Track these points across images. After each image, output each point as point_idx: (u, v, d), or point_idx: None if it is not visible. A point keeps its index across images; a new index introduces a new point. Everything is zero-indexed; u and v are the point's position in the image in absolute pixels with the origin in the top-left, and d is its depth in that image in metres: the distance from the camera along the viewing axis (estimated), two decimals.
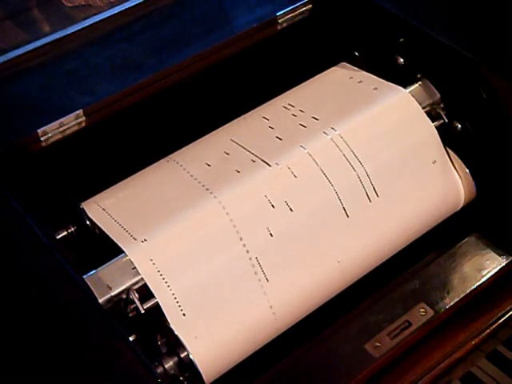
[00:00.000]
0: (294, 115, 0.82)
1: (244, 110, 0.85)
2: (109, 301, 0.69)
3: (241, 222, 0.73)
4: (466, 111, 0.83)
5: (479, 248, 0.81)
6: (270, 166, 0.76)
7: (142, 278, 0.70)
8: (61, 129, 0.79)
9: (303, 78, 0.89)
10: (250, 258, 0.72)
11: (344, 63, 0.91)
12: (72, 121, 0.80)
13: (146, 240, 0.71)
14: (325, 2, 0.93)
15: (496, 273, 0.79)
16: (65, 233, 0.76)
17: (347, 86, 0.87)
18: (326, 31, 0.94)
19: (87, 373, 0.60)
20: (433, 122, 0.83)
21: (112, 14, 0.91)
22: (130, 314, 0.70)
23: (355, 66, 0.90)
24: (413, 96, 0.84)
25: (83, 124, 0.80)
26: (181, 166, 0.78)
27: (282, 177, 0.76)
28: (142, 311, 0.69)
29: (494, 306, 0.78)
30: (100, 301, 0.68)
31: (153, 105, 0.85)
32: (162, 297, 0.69)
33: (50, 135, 0.79)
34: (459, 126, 0.83)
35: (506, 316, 0.77)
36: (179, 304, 0.69)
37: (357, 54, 0.92)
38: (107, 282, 0.70)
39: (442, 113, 0.85)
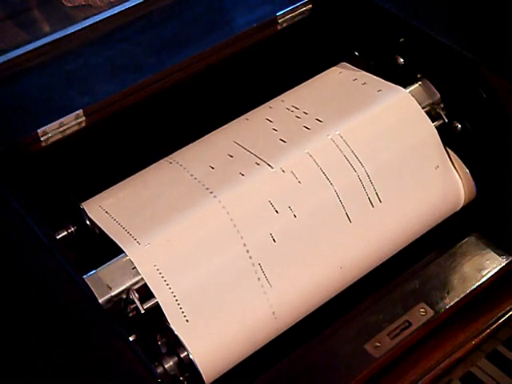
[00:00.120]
0: (297, 117, 0.82)
1: (244, 110, 0.85)
2: (109, 301, 0.69)
3: (242, 222, 0.73)
4: (466, 111, 0.83)
5: (479, 248, 0.81)
6: (274, 169, 0.76)
7: (142, 278, 0.70)
8: (61, 129, 0.79)
9: (303, 78, 0.89)
10: (251, 257, 0.72)
11: (344, 63, 0.91)
12: (72, 121, 0.80)
13: (145, 240, 0.71)
14: (325, 2, 0.93)
15: (496, 273, 0.79)
16: (65, 233, 0.76)
17: (348, 86, 0.87)
18: (325, 31, 0.94)
19: (87, 373, 0.60)
20: (433, 122, 0.83)
21: (112, 13, 0.91)
22: (130, 314, 0.70)
23: (355, 66, 0.90)
24: (413, 96, 0.84)
25: (83, 124, 0.80)
26: (182, 166, 0.78)
27: (287, 182, 0.75)
28: (142, 311, 0.69)
29: (494, 306, 0.78)
30: (100, 301, 0.68)
31: (153, 105, 0.85)
32: (162, 297, 0.69)
33: (49, 135, 0.79)
34: (459, 125, 0.83)
35: (506, 316, 0.77)
36: (179, 304, 0.69)
37: (357, 53, 0.92)
38: (107, 282, 0.70)
39: (441, 113, 0.85)
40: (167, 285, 0.69)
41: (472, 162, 0.82)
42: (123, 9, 0.92)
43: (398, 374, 0.73)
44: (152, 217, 0.73)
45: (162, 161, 0.80)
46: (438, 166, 0.82)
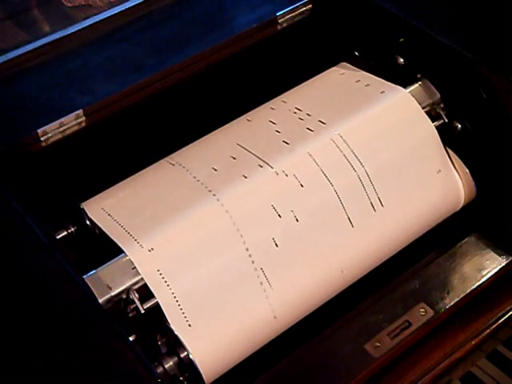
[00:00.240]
0: (300, 119, 0.82)
1: (244, 110, 0.85)
2: (109, 301, 0.69)
3: (243, 223, 0.73)
4: (466, 111, 0.83)
5: (479, 248, 0.81)
6: (277, 173, 0.76)
7: (142, 278, 0.70)
8: (61, 129, 0.79)
9: (303, 78, 0.89)
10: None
11: (344, 63, 0.91)
12: (72, 121, 0.80)
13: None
14: (325, 2, 0.93)
15: (496, 273, 0.79)
16: (65, 233, 0.76)
17: (348, 86, 0.86)
18: (326, 31, 0.94)
19: (87, 373, 0.60)
20: (433, 122, 0.83)
21: (112, 13, 0.91)
22: (130, 314, 0.70)
23: (355, 66, 0.89)
24: (413, 96, 0.84)
25: (83, 124, 0.80)
26: (185, 168, 0.78)
27: (289, 185, 0.75)
28: (142, 311, 0.69)
29: (494, 306, 0.78)
30: (100, 301, 0.68)
31: (153, 105, 0.85)
32: (162, 297, 0.69)
33: (49, 135, 0.79)
34: (459, 125, 0.83)
35: (506, 316, 0.77)
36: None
37: (357, 53, 0.92)
38: (107, 282, 0.70)
39: (442, 113, 0.85)
40: (167, 285, 0.69)
41: (472, 162, 0.82)
42: (123, 9, 0.92)
43: (398, 373, 0.73)
44: (152, 217, 0.73)
45: (162, 161, 0.80)
46: (437, 167, 0.82)
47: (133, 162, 0.81)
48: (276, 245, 0.73)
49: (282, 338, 0.75)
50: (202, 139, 0.83)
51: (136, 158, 0.81)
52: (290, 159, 0.77)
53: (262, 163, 0.77)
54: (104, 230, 0.73)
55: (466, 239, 0.82)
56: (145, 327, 0.71)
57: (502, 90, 0.79)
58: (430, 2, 0.89)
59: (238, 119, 0.84)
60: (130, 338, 0.68)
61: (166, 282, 0.69)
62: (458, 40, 0.82)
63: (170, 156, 0.80)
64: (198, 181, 0.76)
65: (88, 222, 0.75)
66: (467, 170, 0.83)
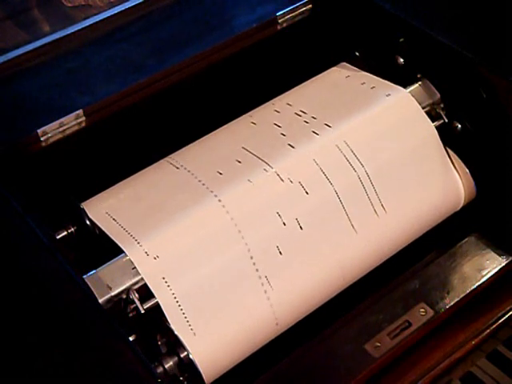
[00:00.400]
0: (306, 122, 0.81)
1: (244, 110, 0.85)
2: (109, 301, 0.69)
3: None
4: (466, 111, 0.83)
5: (479, 248, 0.81)
6: (282, 180, 0.76)
7: (142, 278, 0.70)
8: (61, 129, 0.79)
9: (303, 78, 0.89)
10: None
11: (344, 63, 0.91)
12: (72, 121, 0.80)
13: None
14: (325, 2, 0.93)
15: (496, 273, 0.79)
16: (65, 233, 0.76)
17: (353, 88, 0.86)
18: (325, 31, 0.94)
19: (87, 373, 0.60)
20: (433, 122, 0.83)
21: (112, 13, 0.91)
22: (130, 314, 0.70)
23: (355, 66, 0.89)
24: (413, 96, 0.84)
25: (83, 124, 0.80)
26: (190, 172, 0.77)
27: (294, 193, 0.75)
28: (142, 311, 0.69)
29: (494, 306, 0.78)
30: (100, 301, 0.68)
31: (153, 105, 0.85)
32: (162, 297, 0.69)
33: (50, 135, 0.79)
34: (459, 125, 0.83)
35: (506, 316, 0.77)
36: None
37: (357, 53, 0.92)
38: (107, 282, 0.70)
39: (442, 113, 0.85)
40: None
41: (472, 162, 0.82)
42: (123, 9, 0.92)
43: (398, 374, 0.73)
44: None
45: (162, 161, 0.80)
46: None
47: (133, 162, 0.81)
48: (277, 246, 0.73)
49: (282, 337, 0.75)
50: (203, 139, 0.83)
51: (136, 158, 0.81)
52: (296, 163, 0.77)
53: (267, 167, 0.76)
54: (104, 229, 0.73)
55: (466, 239, 0.82)
56: (145, 327, 0.71)
57: (502, 90, 0.79)
58: (430, 2, 0.89)
59: (241, 119, 0.84)
60: (130, 338, 0.68)
61: (166, 281, 0.69)
62: (458, 40, 0.82)
63: (171, 156, 0.80)
64: (204, 184, 0.75)
65: (88, 222, 0.74)
66: (467, 170, 0.83)
